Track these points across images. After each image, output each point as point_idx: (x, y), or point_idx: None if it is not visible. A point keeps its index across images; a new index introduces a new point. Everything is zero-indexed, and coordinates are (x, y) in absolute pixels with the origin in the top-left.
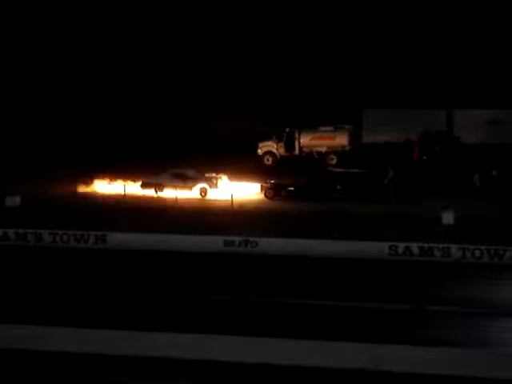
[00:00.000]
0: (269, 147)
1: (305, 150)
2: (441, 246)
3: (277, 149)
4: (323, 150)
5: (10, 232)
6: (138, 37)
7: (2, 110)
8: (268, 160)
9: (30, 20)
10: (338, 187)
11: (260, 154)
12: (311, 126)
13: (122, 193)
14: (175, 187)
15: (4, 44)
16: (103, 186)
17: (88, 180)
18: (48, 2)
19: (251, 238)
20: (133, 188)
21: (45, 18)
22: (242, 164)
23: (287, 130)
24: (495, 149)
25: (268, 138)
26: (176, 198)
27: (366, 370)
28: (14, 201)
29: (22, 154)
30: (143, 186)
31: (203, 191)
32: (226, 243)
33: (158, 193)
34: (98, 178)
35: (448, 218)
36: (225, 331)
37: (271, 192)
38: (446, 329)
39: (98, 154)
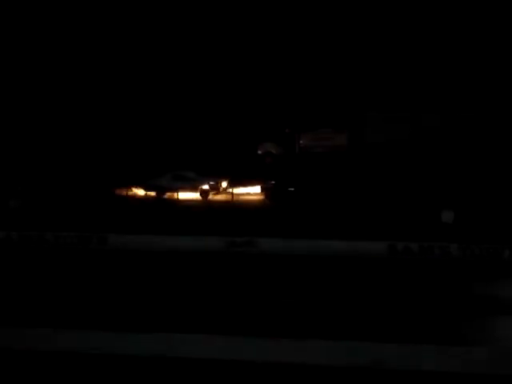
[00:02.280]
0: (269, 148)
1: (304, 150)
2: None
3: (276, 150)
4: (322, 150)
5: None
6: (135, 37)
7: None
8: (268, 161)
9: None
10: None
11: (260, 154)
12: (311, 126)
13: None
14: (177, 189)
15: (4, 44)
16: None
17: None
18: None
19: (252, 239)
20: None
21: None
22: (243, 165)
23: (287, 130)
24: None
25: (268, 139)
26: (177, 198)
27: (368, 368)
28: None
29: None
30: (145, 188)
31: (204, 193)
32: (227, 244)
33: (160, 195)
34: None
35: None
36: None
37: (272, 193)
38: None
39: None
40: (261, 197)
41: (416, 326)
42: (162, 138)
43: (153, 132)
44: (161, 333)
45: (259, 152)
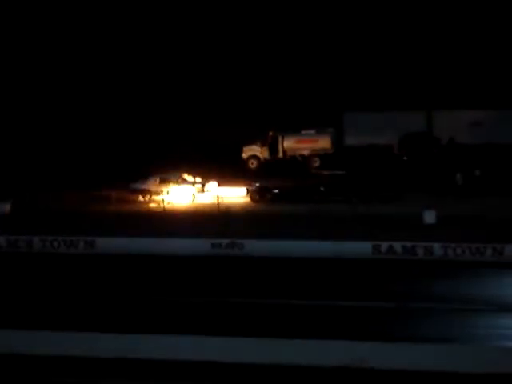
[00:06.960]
0: (253, 151)
1: (288, 153)
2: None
3: (261, 152)
4: (306, 153)
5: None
6: (132, 39)
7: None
8: (252, 164)
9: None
10: (322, 189)
11: (244, 158)
12: (294, 129)
13: None
14: (162, 192)
15: (4, 44)
16: None
17: None
18: (48, 2)
19: (238, 240)
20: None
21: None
22: (227, 168)
23: (271, 133)
24: (478, 149)
25: (252, 142)
26: (163, 203)
27: (351, 367)
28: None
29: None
30: (130, 191)
31: (190, 195)
32: (213, 246)
33: (146, 198)
34: None
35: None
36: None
37: (257, 195)
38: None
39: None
40: (246, 199)
41: (400, 325)
42: (147, 140)
43: (138, 134)
44: (150, 335)
45: (243, 155)
